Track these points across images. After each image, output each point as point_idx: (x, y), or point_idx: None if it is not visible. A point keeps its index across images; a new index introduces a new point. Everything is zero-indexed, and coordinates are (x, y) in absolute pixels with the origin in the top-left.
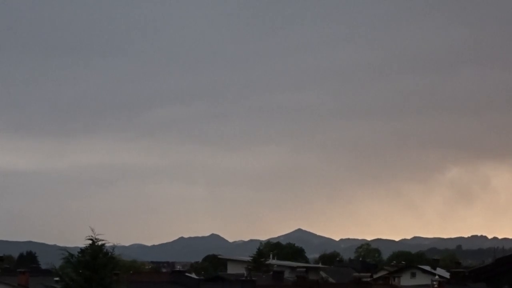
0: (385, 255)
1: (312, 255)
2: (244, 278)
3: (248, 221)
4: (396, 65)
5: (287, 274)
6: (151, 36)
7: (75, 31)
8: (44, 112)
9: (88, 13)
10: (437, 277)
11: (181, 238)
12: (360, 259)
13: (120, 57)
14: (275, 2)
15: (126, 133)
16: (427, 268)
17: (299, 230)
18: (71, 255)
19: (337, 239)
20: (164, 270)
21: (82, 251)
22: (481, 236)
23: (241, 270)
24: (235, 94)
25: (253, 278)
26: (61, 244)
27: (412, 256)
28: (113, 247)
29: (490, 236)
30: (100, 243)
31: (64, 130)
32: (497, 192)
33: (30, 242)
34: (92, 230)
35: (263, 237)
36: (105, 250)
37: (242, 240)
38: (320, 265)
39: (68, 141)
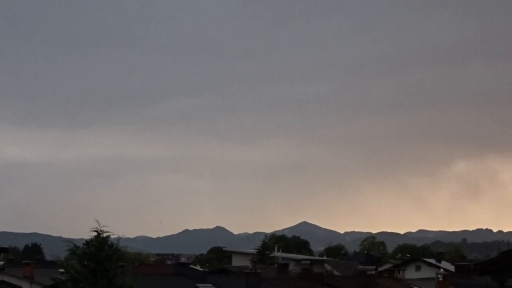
0: (390, 248)
1: (317, 248)
2: (248, 271)
3: (253, 214)
4: (404, 59)
5: (291, 267)
6: (158, 29)
7: (82, 23)
8: (50, 104)
9: (96, 6)
10: (442, 270)
11: (186, 231)
12: (365, 252)
13: (127, 50)
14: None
15: (132, 126)
16: (432, 261)
17: (304, 222)
18: (76, 247)
19: (342, 232)
20: (169, 262)
21: (87, 243)
22: (486, 229)
23: (246, 262)
24: (242, 86)
25: (257, 271)
26: (66, 236)
27: (417, 249)
28: (118, 239)
29: (495, 230)
30: (105, 235)
31: (70, 122)
32: (502, 186)
33: (35, 234)
34: (97, 222)
35: (268, 229)
36: (110, 242)
37: (247, 233)
38: (325, 258)
39: (75, 133)
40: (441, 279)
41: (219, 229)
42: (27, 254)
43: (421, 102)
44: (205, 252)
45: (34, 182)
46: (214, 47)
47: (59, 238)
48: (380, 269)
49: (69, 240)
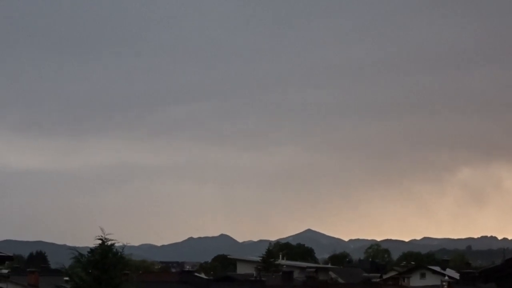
0: (395, 256)
1: (322, 255)
2: (253, 278)
3: (258, 222)
4: (409, 63)
5: (296, 275)
6: (161, 34)
7: (87, 28)
8: (55, 111)
9: (98, 11)
10: (446, 277)
11: (191, 238)
12: (370, 259)
13: (132, 55)
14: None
15: (137, 132)
16: (437, 268)
17: (309, 230)
18: (81, 255)
19: (346, 239)
20: (173, 270)
21: (92, 250)
22: (491, 236)
23: (250, 270)
24: (246, 92)
25: (262, 278)
26: (71, 244)
27: (422, 257)
28: (123, 247)
29: (500, 237)
30: (109, 243)
31: (75, 128)
32: (507, 193)
33: (40, 242)
34: (102, 230)
35: (273, 237)
36: (114, 250)
37: (251, 240)
38: (329, 265)
39: (80, 140)
40: (446, 286)
41: (223, 237)
42: (32, 262)
43: (426, 108)
44: (209, 259)
45: (38, 190)
46: (217, 52)
47: (64, 246)
48: (384, 276)
49: (73, 248)
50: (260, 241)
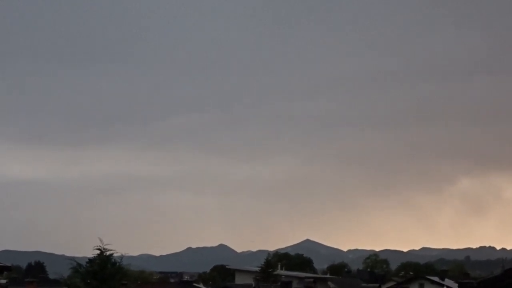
0: (393, 266)
1: (320, 265)
2: None
3: (256, 232)
4: (409, 74)
5: (295, 285)
6: (163, 46)
7: (88, 39)
8: (56, 122)
9: (102, 22)
10: (445, 287)
11: (189, 249)
12: (368, 269)
13: (133, 66)
14: (289, 9)
15: (137, 143)
16: (436, 279)
17: (307, 240)
18: (80, 265)
19: (345, 249)
20: (172, 280)
21: (90, 261)
22: (490, 247)
23: (249, 280)
24: (247, 103)
25: None
26: (69, 254)
27: (421, 267)
28: (121, 257)
29: (498, 247)
30: (108, 253)
31: (75, 139)
32: (507, 203)
33: (38, 252)
34: (101, 240)
35: (271, 247)
36: (113, 260)
37: (250, 251)
38: (328, 275)
39: (79, 151)
40: None
41: (222, 247)
42: (30, 272)
43: (426, 118)
44: (208, 270)
45: (37, 200)
46: (219, 62)
47: (62, 256)
48: (383, 286)
49: (72, 258)
50: (259, 251)
